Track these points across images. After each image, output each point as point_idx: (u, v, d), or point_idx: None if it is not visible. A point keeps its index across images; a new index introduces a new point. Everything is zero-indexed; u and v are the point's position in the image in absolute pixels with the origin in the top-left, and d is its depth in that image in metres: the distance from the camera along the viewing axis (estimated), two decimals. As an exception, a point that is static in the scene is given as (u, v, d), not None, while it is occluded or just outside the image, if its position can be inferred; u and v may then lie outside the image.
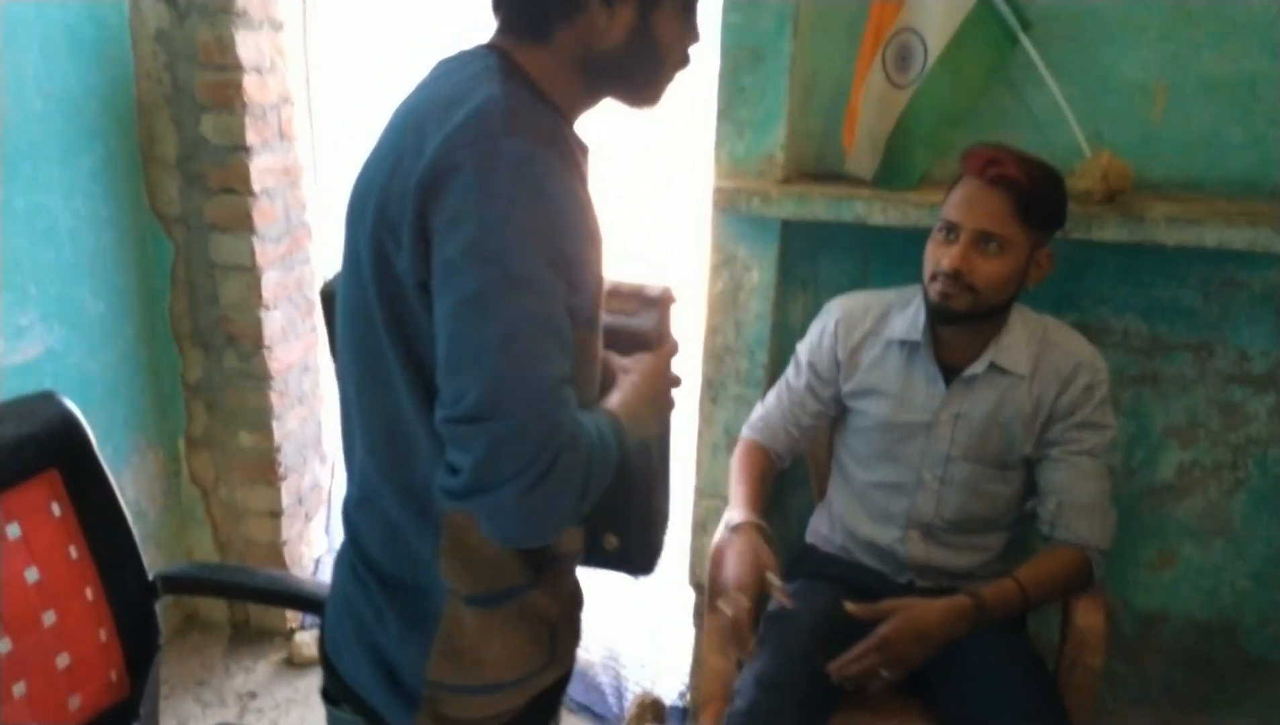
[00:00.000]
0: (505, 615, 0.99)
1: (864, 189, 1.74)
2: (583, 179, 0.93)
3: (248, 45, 2.01)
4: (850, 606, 1.45)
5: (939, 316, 1.48)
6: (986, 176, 1.40)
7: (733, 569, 1.46)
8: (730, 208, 1.75)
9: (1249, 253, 1.59)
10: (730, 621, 1.41)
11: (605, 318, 1.03)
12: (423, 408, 0.91)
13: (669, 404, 1.09)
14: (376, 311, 0.92)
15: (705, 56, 1.74)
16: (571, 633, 1.11)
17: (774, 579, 1.43)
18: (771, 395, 1.73)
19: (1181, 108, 1.69)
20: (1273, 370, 1.79)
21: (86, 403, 1.44)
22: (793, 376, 1.69)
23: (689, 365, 1.94)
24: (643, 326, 1.09)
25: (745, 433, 1.74)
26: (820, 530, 1.77)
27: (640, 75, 0.98)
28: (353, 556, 1.05)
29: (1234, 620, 1.97)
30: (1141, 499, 1.92)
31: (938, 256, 1.45)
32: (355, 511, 1.04)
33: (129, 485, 2.19)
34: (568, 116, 0.97)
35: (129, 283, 2.13)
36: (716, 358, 1.91)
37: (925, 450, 1.56)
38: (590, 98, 0.99)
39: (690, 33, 1.00)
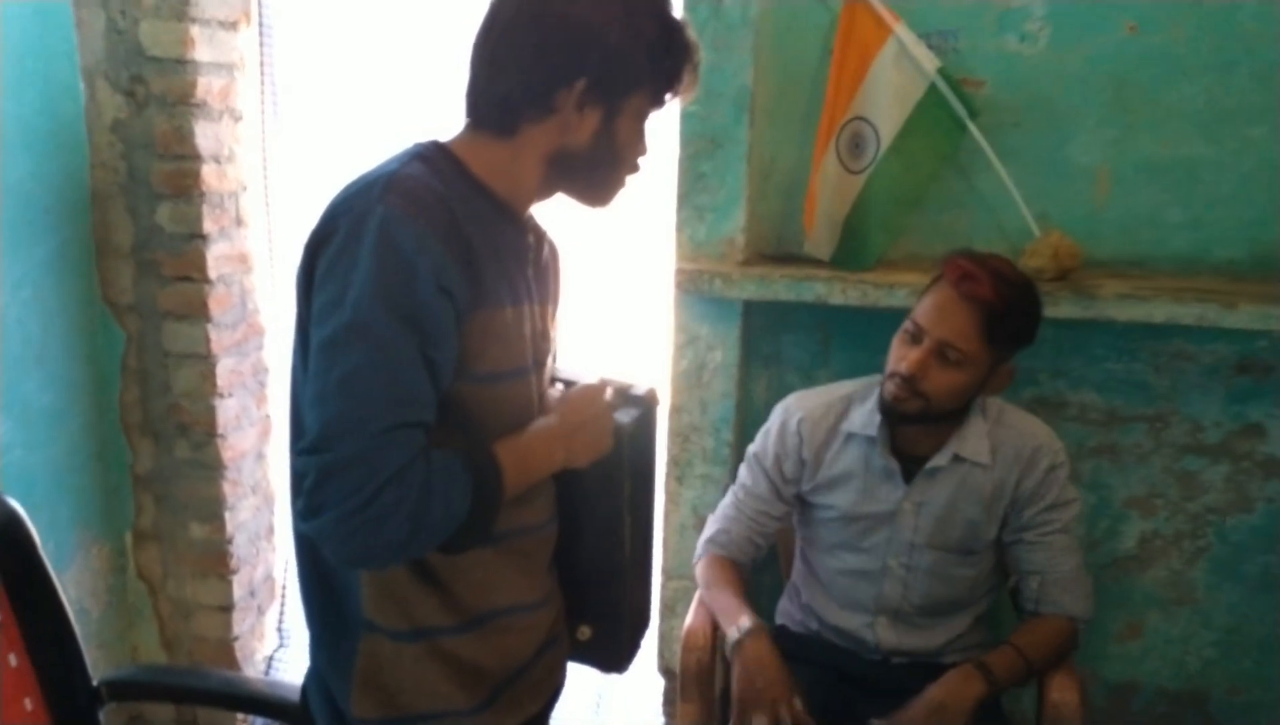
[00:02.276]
0: (418, 652, 1.04)
1: (823, 270, 1.77)
2: (461, 251, 0.95)
3: (207, 135, 2.01)
4: (874, 722, 1.46)
5: (888, 416, 1.49)
6: (961, 290, 1.40)
7: (764, 679, 1.44)
8: (692, 289, 1.76)
9: (1197, 327, 1.64)
10: None
11: None
12: None
13: (590, 441, 1.09)
14: (299, 358, 1.00)
15: (666, 143, 1.78)
16: (522, 687, 1.13)
17: (798, 702, 1.43)
18: (728, 507, 1.68)
19: (1124, 190, 1.76)
20: (1225, 440, 1.83)
21: (29, 499, 1.39)
22: (750, 482, 1.65)
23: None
24: (617, 422, 1.10)
25: (708, 549, 1.67)
26: (790, 611, 1.75)
27: (598, 175, 1.05)
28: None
29: (1203, 689, 1.97)
30: (1107, 569, 1.93)
31: (899, 356, 1.46)
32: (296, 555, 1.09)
33: (72, 583, 2.10)
34: (513, 203, 1.05)
35: (78, 373, 2.08)
36: (682, 437, 1.91)
37: (890, 539, 1.56)
38: (544, 191, 1.07)
39: (641, 142, 1.06)
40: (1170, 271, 1.77)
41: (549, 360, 1.14)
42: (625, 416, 1.11)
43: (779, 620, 1.76)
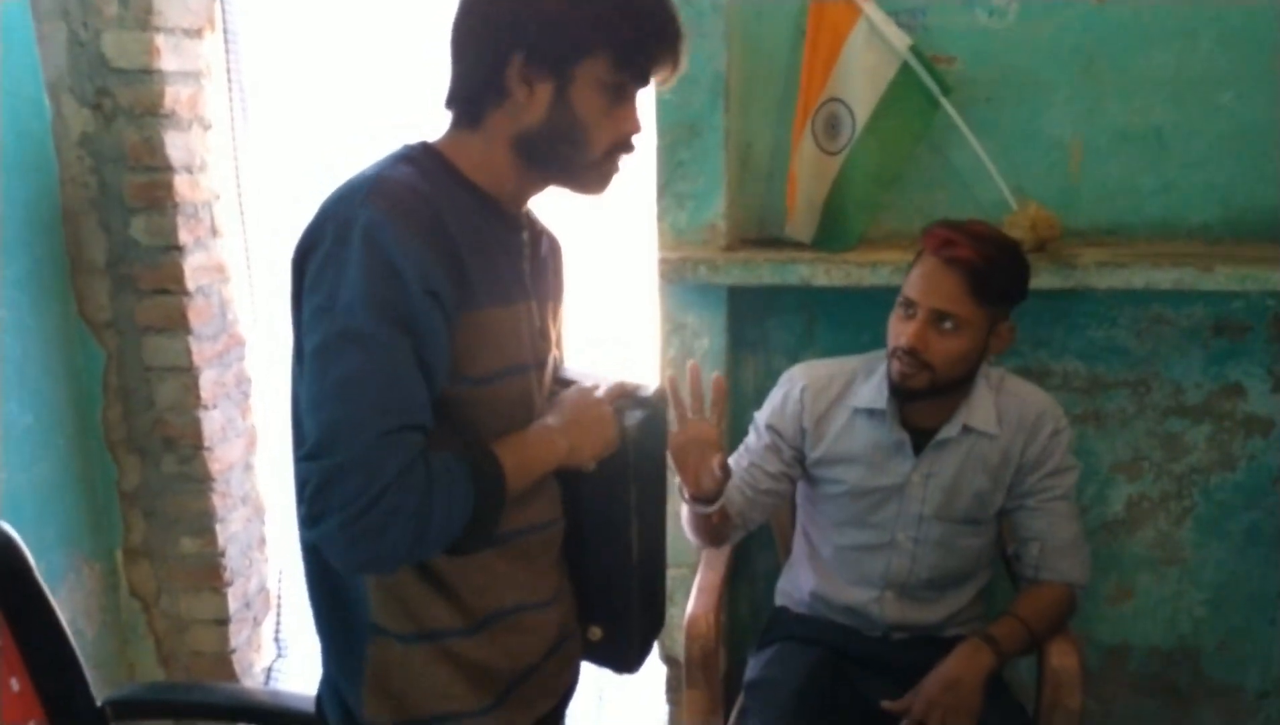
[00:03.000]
0: (426, 654, 1.03)
1: (806, 252, 1.78)
2: (446, 252, 0.94)
3: (177, 145, 1.98)
4: (886, 704, 1.49)
5: (898, 393, 1.50)
6: (942, 256, 1.42)
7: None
8: (676, 277, 1.77)
9: (1174, 291, 1.66)
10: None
11: None
12: None
13: (591, 438, 1.07)
14: (296, 365, 0.99)
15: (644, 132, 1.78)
16: (533, 686, 1.12)
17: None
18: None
19: (1097, 159, 1.78)
20: (1206, 401, 1.87)
21: (17, 521, 1.37)
22: (753, 440, 1.67)
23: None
24: (622, 422, 1.09)
25: None
26: (789, 591, 1.76)
27: (564, 154, 1.00)
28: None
29: (1194, 647, 2.01)
30: (1096, 534, 1.96)
31: (897, 332, 1.47)
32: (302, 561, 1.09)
33: (65, 604, 2.07)
34: (503, 199, 1.03)
35: (59, 392, 2.05)
36: (671, 424, 1.91)
37: (899, 512, 1.57)
38: (527, 181, 1.04)
39: (621, 117, 1.00)
40: (1146, 237, 1.79)
41: (550, 358, 1.13)
42: (630, 419, 1.10)
43: (779, 601, 1.78)
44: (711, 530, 1.57)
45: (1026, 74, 1.75)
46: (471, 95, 1.00)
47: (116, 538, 2.22)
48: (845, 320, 1.90)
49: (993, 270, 1.42)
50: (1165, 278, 1.63)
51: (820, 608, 1.68)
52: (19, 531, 1.35)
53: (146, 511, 2.20)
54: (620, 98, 0.99)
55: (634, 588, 1.16)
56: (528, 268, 1.07)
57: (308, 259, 0.94)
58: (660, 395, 1.16)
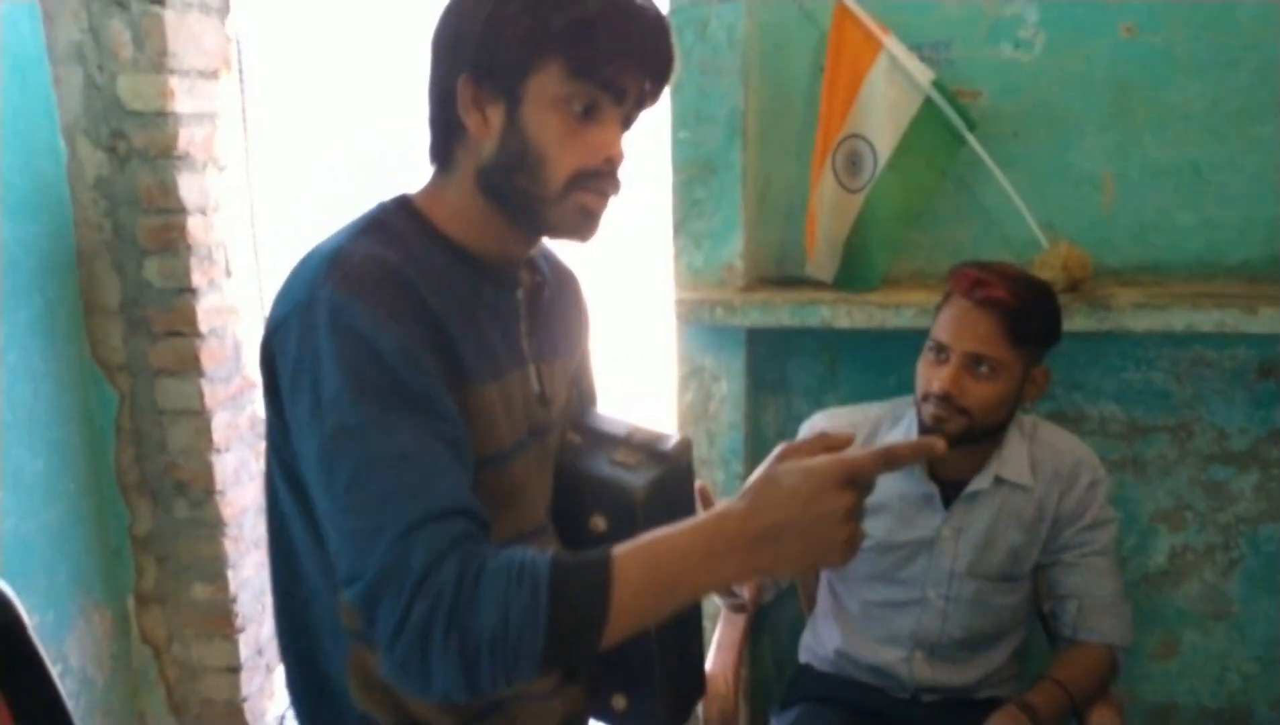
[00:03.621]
0: None
1: (827, 292, 1.72)
2: (425, 328, 0.83)
3: (191, 187, 1.97)
4: None
5: None
6: (975, 298, 1.36)
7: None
8: (693, 319, 1.72)
9: (1216, 333, 1.58)
10: None
11: (601, 465, 0.96)
12: (303, 516, 0.89)
13: (805, 548, 0.76)
14: (274, 463, 0.91)
15: (659, 170, 1.75)
16: None
17: None
18: None
19: (1131, 194, 1.71)
20: (1253, 447, 1.77)
21: (25, 567, 1.33)
22: None
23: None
24: (631, 484, 0.95)
25: None
26: (813, 648, 1.68)
27: (524, 186, 0.87)
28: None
29: (1244, 706, 1.90)
30: (1137, 587, 1.86)
31: (929, 377, 1.40)
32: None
33: (74, 651, 2.05)
34: (486, 255, 0.92)
35: (70, 436, 2.03)
36: (690, 472, 1.85)
37: (929, 568, 1.49)
38: (505, 228, 0.91)
39: (586, 139, 0.86)
40: (1184, 276, 1.71)
41: (554, 426, 1.02)
42: (639, 478, 0.96)
43: (803, 658, 1.70)
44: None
45: (1055, 107, 1.69)
46: (437, 133, 0.92)
47: (128, 583, 2.19)
48: (869, 362, 1.83)
49: (1028, 311, 1.36)
50: (1207, 320, 1.55)
51: (846, 666, 1.60)
52: (28, 577, 1.31)
53: (159, 557, 2.17)
54: (585, 117, 0.86)
55: (655, 653, 1.07)
56: (524, 328, 0.98)
57: (275, 351, 0.85)
58: (681, 449, 1.01)
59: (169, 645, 2.23)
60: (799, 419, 1.88)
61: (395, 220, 0.90)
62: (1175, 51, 1.64)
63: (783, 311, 1.68)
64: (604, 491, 0.98)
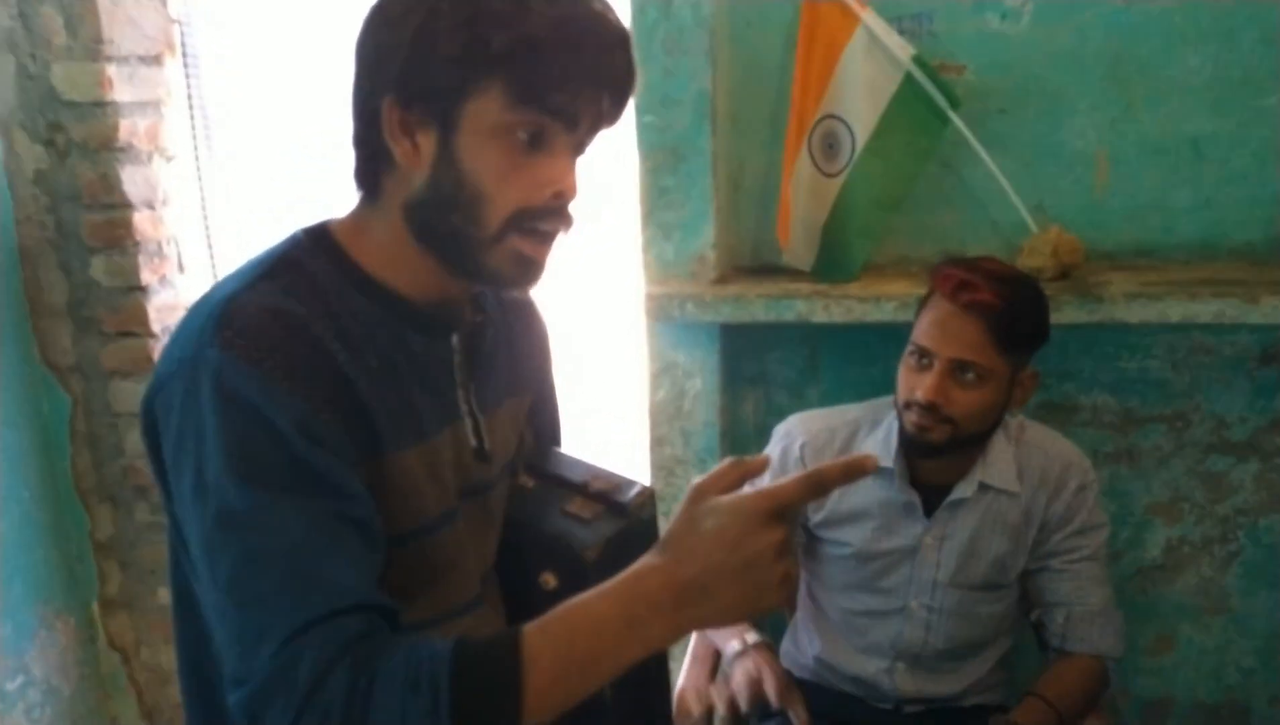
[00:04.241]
0: None
1: (804, 284, 1.63)
2: (329, 390, 0.73)
3: (135, 180, 1.87)
4: None
5: (915, 450, 1.35)
6: (959, 302, 1.26)
7: (771, 684, 1.36)
8: (663, 315, 1.63)
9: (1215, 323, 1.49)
10: None
11: (553, 516, 0.87)
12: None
13: (739, 596, 0.67)
14: (169, 525, 0.82)
15: (625, 158, 1.65)
16: None
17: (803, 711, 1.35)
18: None
19: (1126, 174, 1.61)
20: (1253, 437, 1.69)
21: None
22: None
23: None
24: (582, 542, 0.86)
25: None
26: (793, 655, 1.61)
27: (458, 226, 0.76)
28: None
29: (1243, 702, 1.84)
30: (1131, 580, 1.80)
31: (911, 384, 1.31)
32: None
33: (36, 662, 1.99)
34: (416, 298, 0.82)
35: (22, 442, 1.95)
36: (665, 471, 1.78)
37: (911, 578, 1.42)
38: (435, 268, 0.80)
39: (531, 173, 0.76)
40: (1182, 260, 1.62)
41: (496, 481, 0.91)
42: (592, 535, 0.86)
43: (783, 665, 1.63)
44: None
45: (1045, 82, 1.59)
46: (361, 157, 0.80)
47: (92, 589, 2.13)
48: (852, 353, 1.75)
49: (1016, 314, 1.27)
50: (1205, 310, 1.46)
51: (826, 675, 1.53)
52: None
53: (122, 562, 2.11)
54: (531, 147, 0.75)
55: (611, 715, 0.99)
56: (460, 377, 0.87)
57: (158, 415, 0.75)
58: (641, 501, 0.90)
59: (137, 650, 2.17)
60: (779, 412, 1.81)
61: (308, 258, 0.79)
62: (1173, 20, 1.54)
63: (757, 306, 1.59)
64: (555, 547, 0.88)
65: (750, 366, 1.80)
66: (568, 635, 0.68)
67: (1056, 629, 1.41)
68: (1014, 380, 1.31)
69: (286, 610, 0.67)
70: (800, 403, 1.80)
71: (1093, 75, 1.58)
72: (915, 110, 1.55)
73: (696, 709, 1.43)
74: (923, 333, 1.31)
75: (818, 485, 0.69)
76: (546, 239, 0.79)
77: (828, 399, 1.73)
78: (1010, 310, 1.26)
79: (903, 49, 1.53)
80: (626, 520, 0.89)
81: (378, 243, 0.81)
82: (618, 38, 0.76)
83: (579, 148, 0.79)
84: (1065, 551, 1.40)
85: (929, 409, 1.28)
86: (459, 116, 0.74)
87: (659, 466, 1.78)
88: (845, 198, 1.60)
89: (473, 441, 0.88)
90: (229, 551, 0.69)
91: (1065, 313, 1.49)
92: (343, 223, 0.83)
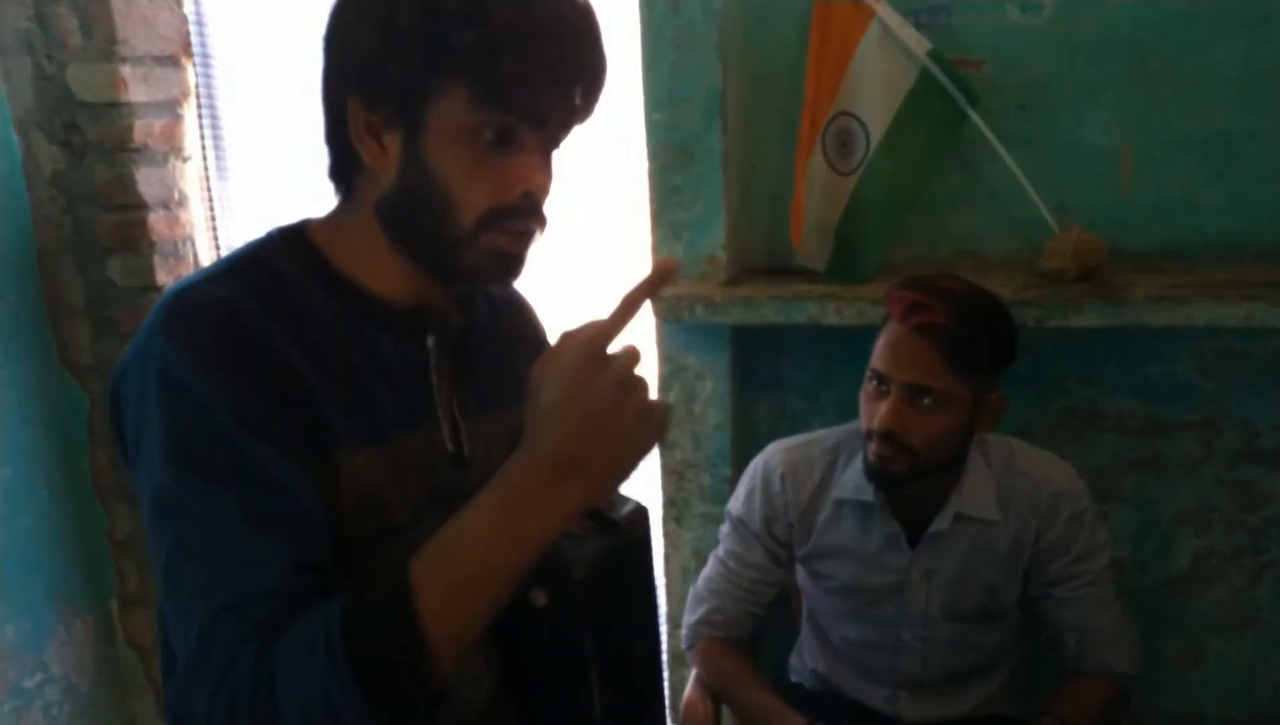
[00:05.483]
0: None
1: (817, 286, 1.59)
2: (273, 385, 0.72)
3: (150, 181, 1.88)
4: None
5: (877, 481, 1.30)
6: (910, 324, 1.22)
7: None
8: (673, 317, 1.60)
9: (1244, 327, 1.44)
10: None
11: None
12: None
13: (607, 453, 0.66)
14: None
15: (634, 157, 1.62)
16: None
17: None
18: (716, 579, 1.46)
19: (1151, 171, 1.56)
20: (1285, 445, 1.63)
21: (-2, 578, 1.26)
22: (741, 549, 1.44)
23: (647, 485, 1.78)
24: (570, 560, 0.81)
25: (702, 633, 1.45)
26: (801, 671, 1.58)
27: (429, 227, 0.75)
28: None
29: (1273, 718, 1.77)
30: (1158, 593, 1.74)
31: (870, 412, 1.26)
32: None
33: (55, 659, 2.01)
34: (390, 296, 0.81)
35: (41, 441, 1.97)
36: (676, 475, 1.75)
37: (901, 611, 1.38)
38: (410, 268, 0.80)
39: (500, 173, 0.74)
40: (1210, 261, 1.56)
41: (476, 486, 0.84)
42: (581, 553, 0.82)
43: (793, 678, 1.60)
44: None
45: (1067, 76, 1.54)
46: (333, 156, 0.80)
47: (110, 588, 2.14)
48: (867, 357, 1.69)
49: (970, 336, 1.21)
50: (1233, 314, 1.40)
51: (833, 692, 1.50)
52: (1, 589, 1.24)
53: (140, 560, 2.12)
54: (498, 146, 0.74)
55: (595, 687, 0.96)
56: (439, 380, 0.84)
57: (119, 404, 0.76)
58: (634, 519, 0.86)
59: (156, 648, 2.18)
60: (793, 416, 1.78)
61: (277, 256, 0.79)
62: (1200, 11, 1.48)
63: (768, 308, 1.56)
64: (543, 563, 0.84)
65: (763, 369, 1.77)
66: (451, 555, 0.67)
67: (1070, 652, 1.37)
68: (979, 403, 1.26)
69: (206, 597, 0.69)
70: (814, 406, 1.77)
71: (1117, 69, 1.53)
72: (932, 107, 1.51)
73: (702, 718, 1.40)
74: (878, 357, 1.26)
75: (630, 307, 0.67)
76: (523, 236, 0.78)
77: (842, 403, 1.70)
78: (964, 332, 1.20)
79: (919, 43, 1.49)
80: (618, 540, 0.85)
81: (353, 242, 0.80)
82: (584, 29, 0.74)
83: (550, 144, 0.78)
84: (1067, 579, 1.35)
85: (887, 438, 1.23)
86: (423, 118, 0.73)
87: (669, 470, 1.75)
88: (860, 197, 1.57)
89: (449, 447, 0.85)
90: (165, 538, 0.71)
91: (1088, 316, 1.44)
92: (320, 222, 0.83)
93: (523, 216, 0.76)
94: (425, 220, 0.76)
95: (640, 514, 0.87)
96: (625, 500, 0.88)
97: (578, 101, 0.75)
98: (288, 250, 0.80)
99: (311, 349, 0.75)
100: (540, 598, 0.85)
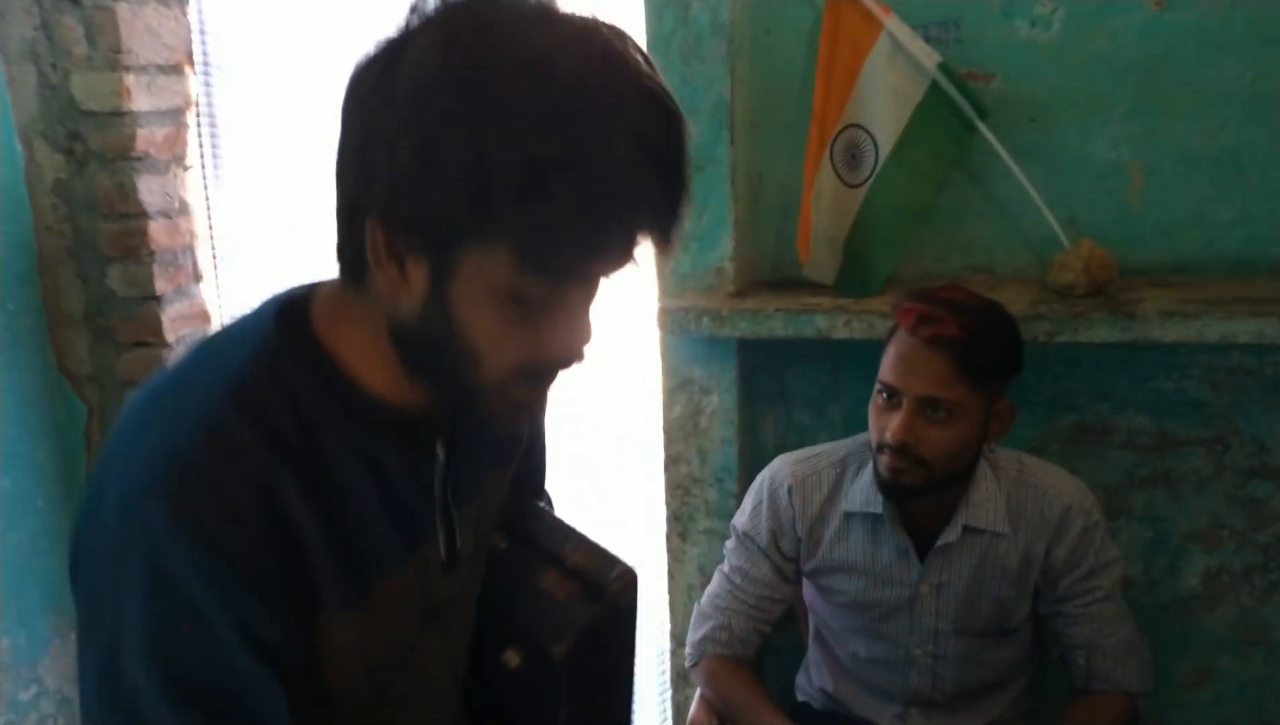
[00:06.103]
0: None
1: (824, 299, 1.59)
2: (282, 548, 0.65)
3: (151, 190, 1.87)
4: None
5: (890, 494, 1.29)
6: (921, 336, 1.22)
7: None
8: (678, 330, 1.59)
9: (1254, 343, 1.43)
10: None
11: (523, 590, 0.80)
12: None
13: None
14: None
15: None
16: None
17: None
18: (722, 595, 1.44)
19: (1161, 186, 1.55)
20: (1296, 462, 1.62)
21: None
22: (747, 565, 1.43)
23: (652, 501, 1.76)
24: (554, 625, 0.78)
25: (708, 650, 1.44)
26: (809, 690, 1.56)
27: (450, 367, 0.66)
28: None
29: (1286, 738, 1.76)
30: (1167, 611, 1.72)
31: (881, 425, 1.26)
32: None
33: (49, 672, 1.98)
34: (399, 406, 0.70)
35: (38, 452, 1.95)
36: (682, 490, 1.73)
37: (911, 626, 1.36)
38: (416, 381, 0.70)
39: (537, 332, 0.64)
40: (1221, 276, 1.55)
41: (465, 586, 0.82)
42: (563, 619, 0.79)
43: (800, 697, 1.58)
44: None
45: (1077, 91, 1.53)
46: (345, 255, 0.67)
47: (105, 600, 2.12)
48: (874, 369, 1.68)
49: (981, 347, 1.21)
50: (1243, 330, 1.39)
51: (843, 712, 1.48)
52: None
53: (136, 572, 2.10)
54: (540, 308, 0.63)
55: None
56: (438, 479, 0.76)
57: (80, 559, 0.67)
58: (622, 586, 0.82)
59: (151, 663, 2.16)
60: (800, 431, 1.76)
61: (282, 363, 0.67)
62: (1210, 27, 1.48)
63: (775, 321, 1.54)
64: (523, 625, 0.81)
65: (770, 383, 1.75)
66: None
67: (1080, 670, 1.35)
68: (989, 413, 1.26)
69: None
70: (822, 420, 1.75)
71: (1126, 84, 1.52)
72: (941, 120, 1.50)
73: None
74: (888, 370, 1.25)
75: None
76: (550, 384, 0.70)
77: (851, 417, 1.68)
78: (975, 341, 1.20)
79: (928, 56, 1.49)
80: (603, 606, 0.81)
81: (359, 337, 0.69)
82: (668, 179, 0.60)
83: (597, 293, 0.67)
84: (1078, 595, 1.33)
85: (900, 451, 1.22)
86: (455, 264, 0.61)
87: (674, 485, 1.73)
88: (868, 209, 1.56)
89: (442, 556, 0.78)
90: None
91: (1098, 331, 1.43)
92: (322, 307, 0.71)
93: (555, 373, 0.68)
94: (445, 361, 0.65)
95: (628, 580, 0.83)
96: (614, 562, 0.85)
97: (656, 247, 0.64)
98: (293, 352, 0.69)
99: (313, 487, 0.66)
100: (513, 658, 0.82)
